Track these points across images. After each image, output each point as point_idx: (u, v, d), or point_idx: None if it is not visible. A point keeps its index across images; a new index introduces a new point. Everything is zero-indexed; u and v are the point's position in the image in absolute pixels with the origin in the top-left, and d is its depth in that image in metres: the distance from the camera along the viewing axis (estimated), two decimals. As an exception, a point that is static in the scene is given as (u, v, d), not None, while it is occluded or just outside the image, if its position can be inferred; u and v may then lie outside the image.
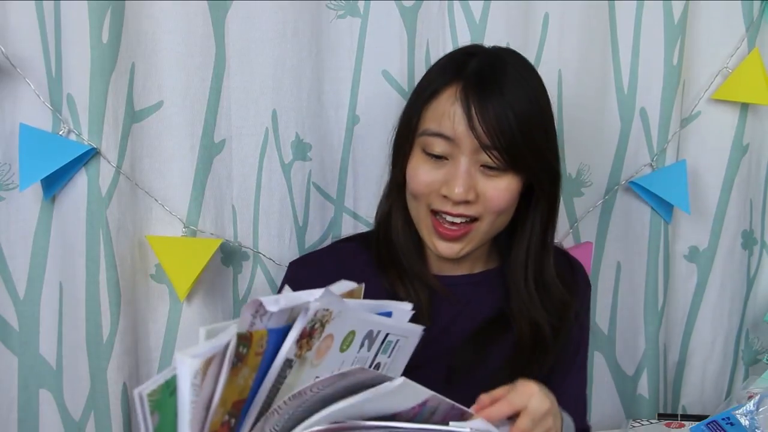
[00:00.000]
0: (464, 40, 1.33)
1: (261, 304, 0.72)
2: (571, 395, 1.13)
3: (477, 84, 0.99)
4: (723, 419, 1.15)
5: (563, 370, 1.12)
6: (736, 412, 1.14)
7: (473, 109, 0.98)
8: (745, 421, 1.14)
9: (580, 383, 1.18)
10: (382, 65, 1.31)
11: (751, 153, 1.49)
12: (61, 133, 1.17)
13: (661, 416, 1.40)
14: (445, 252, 1.05)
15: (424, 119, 1.03)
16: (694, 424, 1.21)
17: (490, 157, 0.99)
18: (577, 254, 1.39)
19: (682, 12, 1.38)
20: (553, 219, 1.10)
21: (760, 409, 1.14)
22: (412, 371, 0.88)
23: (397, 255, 1.10)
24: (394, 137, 1.09)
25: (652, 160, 1.42)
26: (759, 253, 1.55)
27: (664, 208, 1.42)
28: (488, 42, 1.32)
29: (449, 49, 1.33)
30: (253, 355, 0.71)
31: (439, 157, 1.02)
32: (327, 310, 0.75)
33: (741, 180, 1.48)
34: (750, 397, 1.18)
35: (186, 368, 0.67)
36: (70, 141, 1.16)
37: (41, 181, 1.17)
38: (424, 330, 0.91)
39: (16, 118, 1.18)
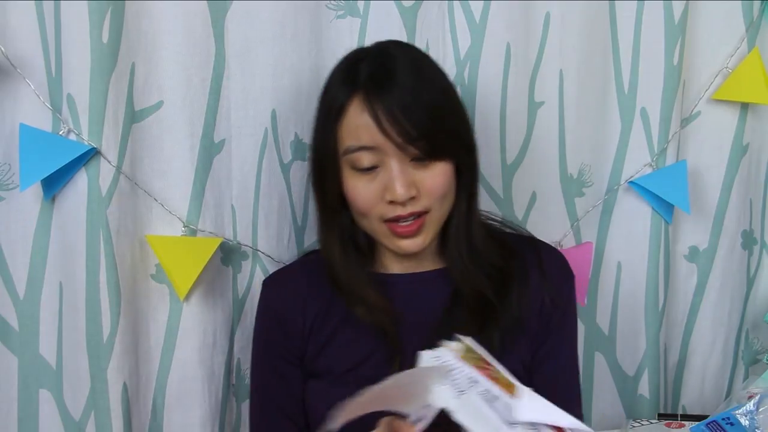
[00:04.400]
0: (464, 40, 1.33)
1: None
2: (562, 382, 1.16)
3: (375, 87, 1.02)
4: (723, 419, 1.15)
5: (551, 355, 1.15)
6: (736, 412, 1.14)
7: (379, 112, 1.01)
8: (745, 421, 1.14)
9: (571, 371, 1.19)
10: (382, 65, 1.31)
11: (751, 153, 1.49)
12: (61, 133, 1.17)
13: (662, 416, 1.40)
14: (410, 248, 1.07)
15: (341, 139, 1.05)
16: (694, 424, 1.21)
17: (413, 150, 1.02)
18: (577, 254, 1.40)
19: (683, 12, 1.38)
20: (475, 187, 1.14)
21: (760, 409, 1.14)
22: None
23: (341, 279, 1.12)
24: (313, 166, 1.11)
25: (653, 160, 1.42)
26: (759, 253, 1.55)
27: (664, 208, 1.42)
28: (488, 42, 1.33)
29: (449, 49, 1.33)
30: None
31: (370, 169, 1.04)
32: None
33: (741, 180, 1.48)
34: (750, 397, 1.17)
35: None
36: (71, 141, 1.16)
37: (41, 181, 1.17)
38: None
39: (15, 118, 1.18)
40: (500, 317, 1.11)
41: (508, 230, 1.21)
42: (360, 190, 1.05)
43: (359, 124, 1.03)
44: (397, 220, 1.05)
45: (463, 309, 1.11)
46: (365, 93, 1.02)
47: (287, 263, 1.28)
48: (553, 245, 1.28)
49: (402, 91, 1.02)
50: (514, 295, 1.12)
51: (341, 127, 1.04)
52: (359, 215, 1.08)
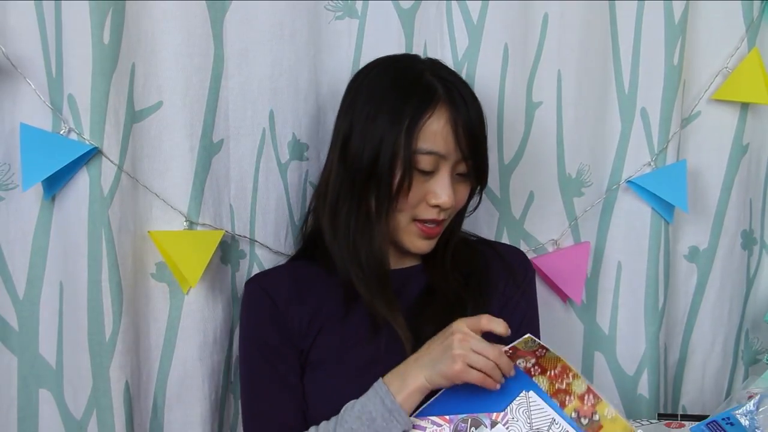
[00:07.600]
0: (462, 40, 1.33)
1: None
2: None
3: (456, 101, 1.11)
4: (723, 419, 1.15)
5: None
6: (736, 412, 1.14)
7: (459, 125, 1.10)
8: (745, 421, 1.13)
9: None
10: (381, 66, 1.32)
11: (751, 153, 1.49)
12: (62, 132, 1.17)
13: (661, 416, 1.39)
14: (425, 248, 1.17)
15: (415, 139, 1.09)
16: (694, 424, 1.20)
17: (467, 166, 1.13)
18: (573, 253, 1.40)
19: (683, 12, 1.38)
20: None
21: (760, 409, 1.13)
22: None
23: (379, 278, 1.15)
24: (382, 167, 1.10)
25: (652, 160, 1.42)
26: (759, 253, 1.55)
27: (664, 207, 1.42)
28: (486, 43, 1.33)
29: (447, 50, 1.34)
30: None
31: (427, 173, 1.11)
32: None
33: (741, 180, 1.48)
34: (750, 397, 1.17)
35: None
36: (72, 140, 1.17)
37: (41, 180, 1.17)
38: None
39: (15, 118, 1.19)
40: (469, 310, 1.16)
41: (470, 236, 1.30)
42: (415, 187, 1.11)
43: (437, 131, 1.10)
44: (426, 221, 1.14)
45: (437, 303, 1.18)
46: (449, 104, 1.10)
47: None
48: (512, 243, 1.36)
49: (473, 111, 1.12)
50: (484, 288, 1.21)
51: (419, 129, 1.09)
52: (397, 211, 1.13)
